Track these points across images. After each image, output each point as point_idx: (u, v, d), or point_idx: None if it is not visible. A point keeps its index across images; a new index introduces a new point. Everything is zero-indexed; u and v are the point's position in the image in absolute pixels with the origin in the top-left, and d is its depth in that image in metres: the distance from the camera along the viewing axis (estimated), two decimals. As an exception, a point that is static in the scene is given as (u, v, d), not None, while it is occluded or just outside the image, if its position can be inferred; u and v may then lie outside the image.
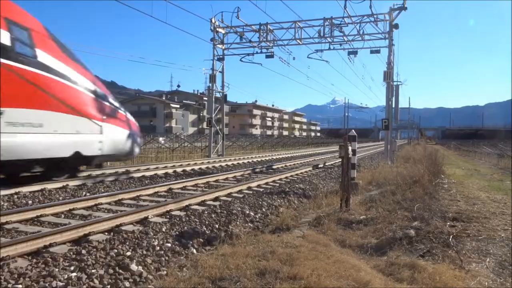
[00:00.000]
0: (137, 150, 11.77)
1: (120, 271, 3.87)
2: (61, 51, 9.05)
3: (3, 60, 7.19)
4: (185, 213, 6.40)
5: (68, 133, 8.88)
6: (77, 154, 9.10)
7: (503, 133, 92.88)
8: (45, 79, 8.23)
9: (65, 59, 9.03)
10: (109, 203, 7.15)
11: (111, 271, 3.84)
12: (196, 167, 14.23)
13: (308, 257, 4.09)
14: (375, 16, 19.63)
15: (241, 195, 8.40)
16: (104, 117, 10.07)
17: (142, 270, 3.95)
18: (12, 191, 7.73)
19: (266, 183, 10.42)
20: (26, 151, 7.77)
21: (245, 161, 19.15)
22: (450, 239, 4.96)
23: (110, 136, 10.23)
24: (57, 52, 8.84)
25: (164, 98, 73.21)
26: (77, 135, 9.15)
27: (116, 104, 11.01)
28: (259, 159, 20.39)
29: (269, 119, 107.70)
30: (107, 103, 10.35)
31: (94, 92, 9.80)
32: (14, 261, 3.94)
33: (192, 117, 77.18)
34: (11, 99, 7.35)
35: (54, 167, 8.99)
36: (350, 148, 7.52)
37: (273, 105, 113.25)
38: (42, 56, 8.23)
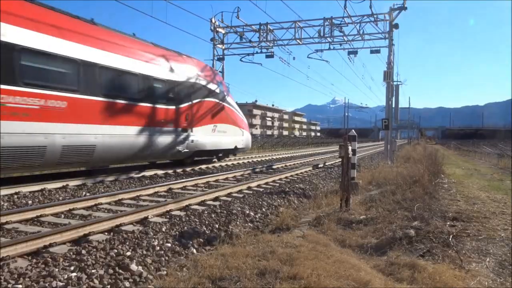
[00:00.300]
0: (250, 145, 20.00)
1: (120, 271, 3.87)
2: (229, 92, 17.28)
3: (216, 100, 15.31)
4: (185, 213, 6.40)
5: (233, 136, 16.77)
6: (235, 147, 17.04)
7: (503, 133, 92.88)
8: (228, 108, 16.38)
9: (231, 97, 17.22)
10: (109, 203, 7.15)
11: (111, 271, 3.84)
12: (196, 167, 14.22)
13: (308, 257, 4.09)
14: (375, 16, 19.63)
15: (241, 195, 8.39)
16: (243, 126, 18.06)
17: (142, 270, 3.95)
18: (12, 191, 7.74)
19: (266, 183, 10.42)
20: (221, 144, 15.82)
21: (245, 161, 19.15)
22: (450, 239, 4.96)
23: (245, 137, 18.10)
24: (228, 93, 16.96)
25: (164, 98, 73.03)
26: (235, 137, 17.01)
27: (244, 117, 18.95)
28: (259, 159, 20.39)
29: (269, 119, 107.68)
30: (242, 118, 18.41)
31: (239, 112, 17.86)
32: (14, 261, 3.95)
33: (192, 117, 77.11)
34: (219, 119, 15.47)
35: (225, 153, 17.30)
36: (350, 148, 7.52)
37: (273, 105, 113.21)
38: (227, 97, 16.46)
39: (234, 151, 17.56)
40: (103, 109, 9.92)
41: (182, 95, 13.14)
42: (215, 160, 17.02)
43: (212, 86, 15.16)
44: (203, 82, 14.51)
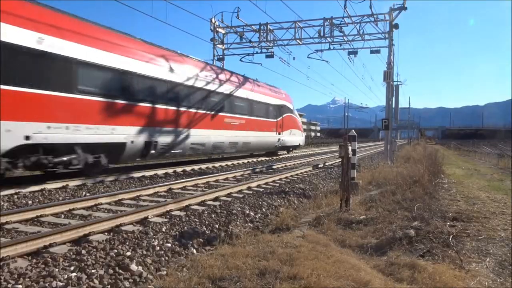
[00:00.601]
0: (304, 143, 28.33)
1: (120, 271, 3.87)
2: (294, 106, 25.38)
3: (291, 114, 23.94)
4: (185, 213, 6.40)
5: (298, 137, 24.98)
6: (298, 144, 25.79)
7: (503, 133, 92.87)
8: (295, 118, 24.75)
9: (295, 109, 25.21)
10: (109, 203, 7.16)
11: (111, 271, 3.85)
12: (196, 167, 14.22)
13: (308, 257, 4.09)
14: (375, 16, 19.62)
15: (241, 195, 8.40)
16: (301, 129, 25.95)
17: (142, 270, 3.95)
18: (12, 191, 7.73)
19: (266, 183, 10.42)
20: (293, 142, 24.48)
21: (245, 161, 19.14)
22: (450, 239, 4.97)
23: (303, 137, 26.49)
24: (294, 107, 25.15)
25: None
26: (299, 137, 25.14)
27: (301, 123, 27.21)
28: (259, 159, 20.38)
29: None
30: (301, 124, 26.54)
31: (299, 120, 26.03)
32: (14, 261, 3.95)
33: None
34: (292, 126, 23.84)
35: (293, 148, 25.96)
36: (350, 148, 7.52)
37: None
38: (294, 110, 24.94)
39: (297, 147, 26.92)
40: (255, 124, 19.00)
41: (279, 112, 22.05)
42: (285, 152, 25.55)
43: (290, 106, 23.97)
44: (287, 104, 23.38)
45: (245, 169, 13.39)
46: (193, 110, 14.01)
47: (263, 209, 7.36)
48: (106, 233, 5.11)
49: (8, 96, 7.64)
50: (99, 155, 10.09)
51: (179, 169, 13.04)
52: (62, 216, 6.15)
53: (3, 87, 7.54)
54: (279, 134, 21.87)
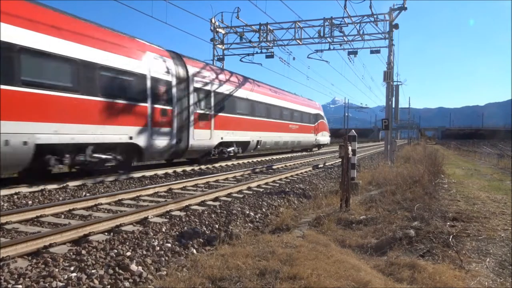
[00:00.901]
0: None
1: (120, 271, 3.87)
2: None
3: (323, 120, 32.61)
4: (185, 213, 6.40)
5: (326, 137, 33.85)
6: (326, 143, 34.98)
7: (503, 133, 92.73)
8: (325, 123, 33.44)
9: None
10: (109, 203, 7.16)
11: (111, 271, 3.85)
12: (196, 167, 14.22)
13: (308, 257, 4.09)
14: (375, 16, 19.60)
15: (241, 195, 8.39)
16: (328, 131, 34.90)
17: (142, 270, 3.95)
18: (12, 191, 7.74)
19: (266, 183, 10.42)
20: (324, 141, 33.32)
21: (245, 161, 19.13)
22: (450, 239, 4.97)
23: (329, 137, 35.25)
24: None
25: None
26: (326, 137, 34.11)
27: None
28: (259, 159, 20.38)
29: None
30: (328, 127, 35.30)
31: (327, 123, 34.65)
32: (14, 261, 3.95)
33: (192, 117, 77.15)
34: (323, 129, 32.29)
35: (322, 146, 34.11)
36: (350, 148, 7.52)
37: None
38: (324, 117, 33.70)
39: (326, 145, 34.52)
40: (303, 128, 26.78)
41: (315, 119, 29.63)
42: (317, 148, 32.46)
43: (322, 113, 31.63)
44: (320, 113, 31.10)
45: (245, 169, 13.39)
46: (276, 121, 22.01)
47: (263, 209, 7.35)
48: (106, 233, 5.11)
49: (219, 118, 15.45)
50: (239, 148, 17.84)
51: (179, 169, 13.04)
52: (62, 216, 6.15)
53: (221, 114, 15.59)
54: (316, 135, 30.16)
